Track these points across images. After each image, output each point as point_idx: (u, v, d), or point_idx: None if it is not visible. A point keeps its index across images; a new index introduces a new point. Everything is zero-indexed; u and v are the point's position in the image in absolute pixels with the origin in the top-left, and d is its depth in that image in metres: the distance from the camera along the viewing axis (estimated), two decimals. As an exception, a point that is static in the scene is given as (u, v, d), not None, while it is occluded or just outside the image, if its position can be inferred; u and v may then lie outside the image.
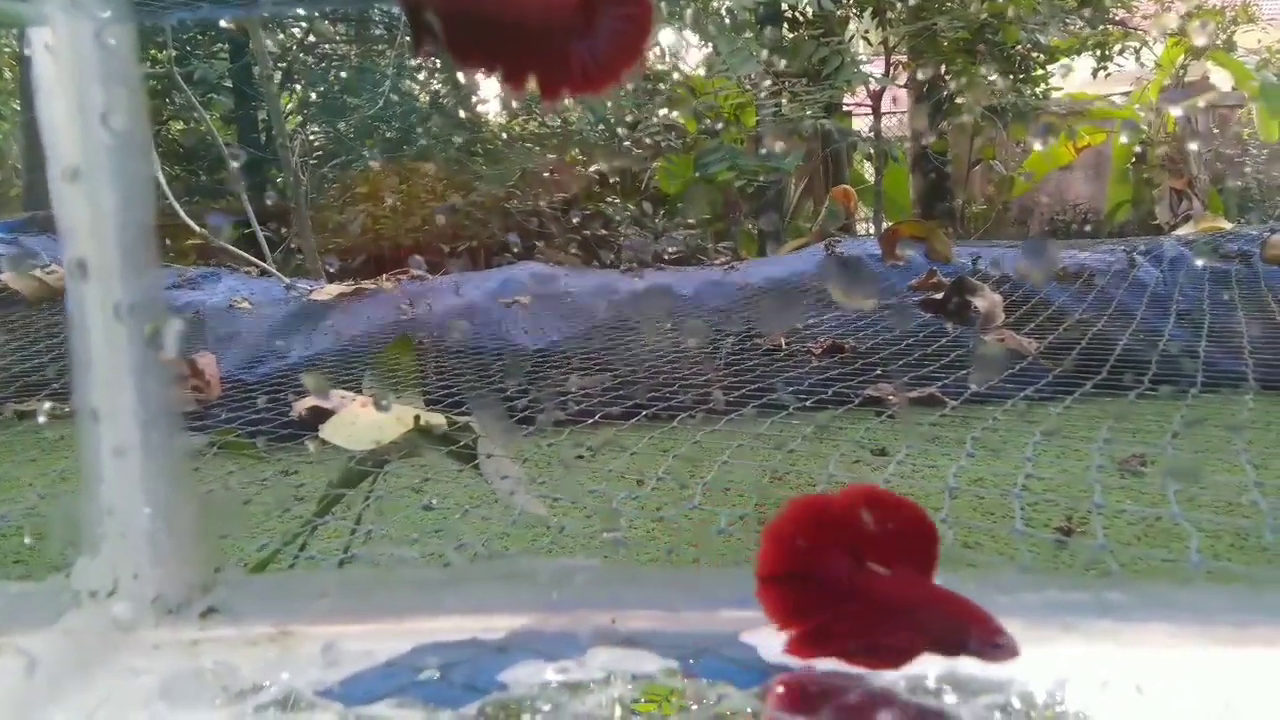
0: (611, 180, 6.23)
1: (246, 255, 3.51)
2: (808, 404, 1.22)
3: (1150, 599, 0.48)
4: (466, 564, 0.72)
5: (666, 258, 5.26)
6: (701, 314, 2.46)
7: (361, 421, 1.28)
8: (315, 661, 0.48)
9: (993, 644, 0.37)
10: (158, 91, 6.71)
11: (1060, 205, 5.75)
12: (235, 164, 3.69)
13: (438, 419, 1.38)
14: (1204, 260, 2.14)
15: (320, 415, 1.37)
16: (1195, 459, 0.94)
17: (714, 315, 2.46)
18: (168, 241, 5.25)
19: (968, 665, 0.40)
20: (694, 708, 0.43)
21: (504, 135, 6.57)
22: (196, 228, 3.13)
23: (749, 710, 0.41)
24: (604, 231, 5.81)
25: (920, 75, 5.33)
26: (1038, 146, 5.39)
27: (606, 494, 1.00)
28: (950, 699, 0.39)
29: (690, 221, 6.01)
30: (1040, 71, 5.16)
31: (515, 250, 5.01)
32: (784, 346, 1.78)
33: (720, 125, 5.90)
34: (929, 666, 0.40)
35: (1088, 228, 5.37)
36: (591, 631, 0.53)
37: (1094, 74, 5.28)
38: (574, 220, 5.75)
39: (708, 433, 1.06)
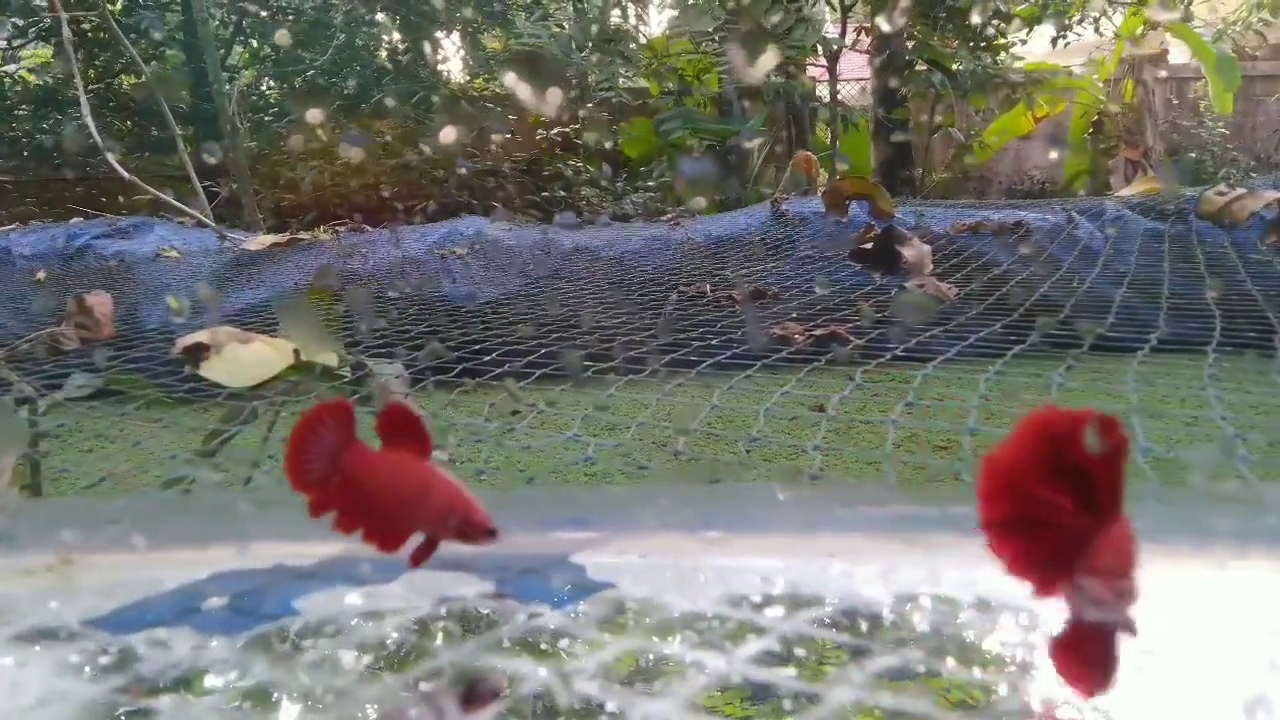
0: (575, 141, 6.15)
1: (183, 207, 3.42)
2: (712, 343, 1.20)
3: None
4: (277, 489, 0.68)
5: (631, 220, 5.22)
6: (639, 266, 2.44)
7: (243, 358, 1.23)
8: (93, 591, 0.45)
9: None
10: (106, 43, 6.51)
11: (1018, 174, 5.75)
12: (170, 115, 3.57)
13: (330, 356, 1.33)
14: (1141, 218, 2.14)
15: (203, 353, 1.31)
16: (1084, 386, 0.93)
17: (653, 269, 2.43)
18: (120, 198, 5.13)
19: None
20: (503, 628, 0.40)
21: (462, 95, 6.47)
22: (125, 174, 3.04)
23: (558, 630, 0.39)
24: (563, 193, 5.76)
25: (879, 40, 5.29)
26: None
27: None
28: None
29: (650, 185, 5.95)
30: (1001, 40, 5.14)
31: (471, 207, 4.93)
32: (708, 294, 1.75)
33: (679, 88, 5.83)
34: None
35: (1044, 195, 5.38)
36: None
37: (1053, 43, 5.26)
38: (532, 181, 5.68)
39: (582, 379, 1.03)
